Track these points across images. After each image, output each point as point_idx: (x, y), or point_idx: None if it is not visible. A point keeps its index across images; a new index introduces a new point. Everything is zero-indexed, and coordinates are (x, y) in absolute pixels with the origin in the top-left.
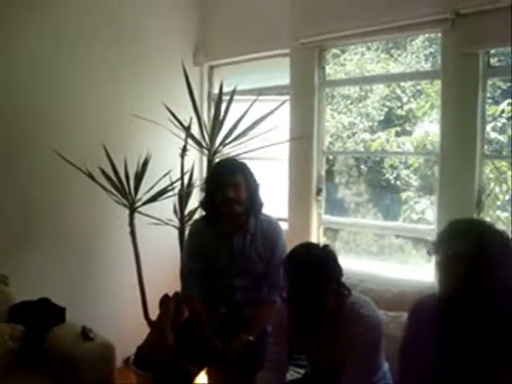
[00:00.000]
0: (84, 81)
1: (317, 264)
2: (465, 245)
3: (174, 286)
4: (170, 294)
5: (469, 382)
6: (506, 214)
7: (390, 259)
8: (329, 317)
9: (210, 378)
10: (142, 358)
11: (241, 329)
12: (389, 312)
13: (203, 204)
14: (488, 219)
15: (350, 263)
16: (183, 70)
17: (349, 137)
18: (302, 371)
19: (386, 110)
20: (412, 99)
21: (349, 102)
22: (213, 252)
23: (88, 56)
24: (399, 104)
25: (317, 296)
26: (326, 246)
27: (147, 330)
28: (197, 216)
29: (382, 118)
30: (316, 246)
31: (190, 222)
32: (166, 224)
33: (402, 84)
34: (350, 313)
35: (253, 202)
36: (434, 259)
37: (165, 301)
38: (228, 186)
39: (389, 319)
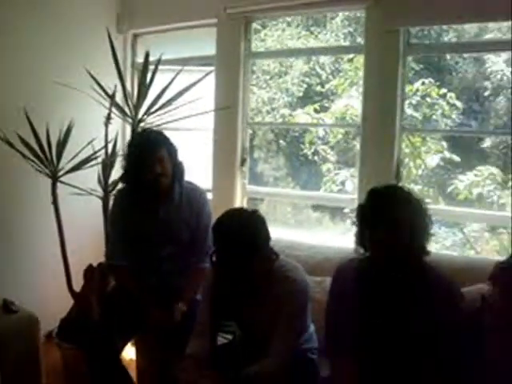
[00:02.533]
0: (2, 44)
1: (246, 226)
2: (388, 212)
3: (98, 256)
4: (95, 265)
5: (390, 340)
6: (419, 187)
7: (309, 231)
8: (257, 280)
9: (138, 350)
10: (65, 330)
11: (171, 298)
12: (314, 277)
13: (124, 178)
14: None
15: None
16: (108, 38)
17: (268, 112)
18: (230, 337)
19: (305, 86)
20: (331, 76)
21: (269, 77)
22: (138, 222)
23: (8, 20)
24: (318, 81)
25: (246, 258)
26: (254, 211)
27: (71, 302)
28: (121, 185)
29: (301, 94)
30: (245, 210)
31: (114, 192)
32: (90, 194)
33: (322, 61)
34: (278, 276)
35: (176, 171)
36: (353, 229)
37: (89, 271)
38: (154, 161)
39: (314, 284)
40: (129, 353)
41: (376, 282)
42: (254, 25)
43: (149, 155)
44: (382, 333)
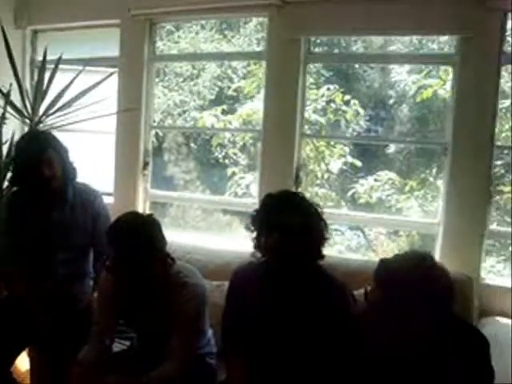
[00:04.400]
0: None
1: (142, 230)
2: (280, 217)
3: None
4: None
5: (286, 340)
6: (324, 191)
7: (219, 235)
8: (154, 285)
9: (32, 360)
10: None
11: (68, 304)
12: (213, 281)
13: (14, 182)
14: (308, 194)
15: (179, 237)
16: (2, 32)
17: (179, 114)
18: (128, 343)
19: (217, 89)
20: (242, 80)
21: (181, 79)
22: (30, 226)
23: None
24: (230, 84)
25: (141, 262)
26: (149, 215)
27: None
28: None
29: (213, 97)
30: (140, 214)
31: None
32: None
33: (234, 65)
34: (175, 281)
35: (67, 172)
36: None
37: None
38: (42, 163)
39: (212, 288)
40: (23, 363)
41: (270, 285)
42: (168, 26)
43: (36, 157)
44: (275, 333)
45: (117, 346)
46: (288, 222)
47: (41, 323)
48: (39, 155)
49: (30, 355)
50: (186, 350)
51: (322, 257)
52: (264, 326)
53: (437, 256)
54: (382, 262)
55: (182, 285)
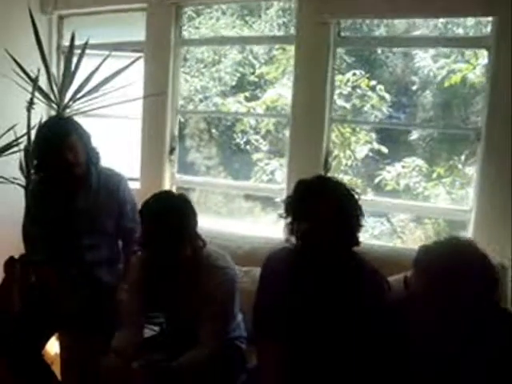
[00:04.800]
0: None
1: (174, 209)
2: (315, 204)
3: (19, 247)
4: (16, 257)
5: (319, 329)
6: (348, 177)
7: (240, 221)
8: (184, 266)
9: (62, 344)
10: None
11: (95, 289)
12: (242, 267)
13: (38, 168)
14: None
15: (202, 223)
16: (31, 18)
17: (201, 100)
18: (157, 328)
19: (238, 75)
20: (264, 66)
21: (202, 65)
22: (56, 213)
23: None
24: (252, 70)
25: (173, 240)
26: (181, 194)
27: None
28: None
29: (234, 83)
30: (172, 193)
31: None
32: (12, 183)
33: (255, 51)
34: (205, 264)
35: (91, 158)
36: (284, 220)
37: (10, 264)
38: (64, 150)
39: (242, 274)
40: (53, 347)
41: (304, 271)
42: (189, 12)
43: (59, 143)
44: (309, 320)
45: (147, 332)
46: (320, 209)
47: (66, 308)
48: (62, 141)
49: (59, 339)
50: (216, 334)
51: (358, 243)
52: (297, 312)
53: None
54: (423, 248)
55: (212, 268)
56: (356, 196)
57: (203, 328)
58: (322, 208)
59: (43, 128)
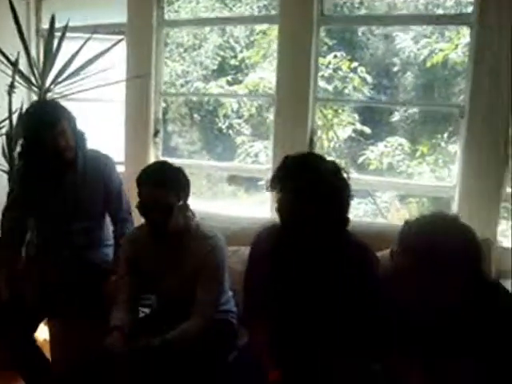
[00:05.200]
0: None
1: (171, 176)
2: (298, 180)
3: None
4: None
5: (308, 306)
6: (331, 159)
7: (224, 203)
8: (176, 238)
9: (51, 330)
10: None
11: (85, 272)
12: (230, 247)
13: (23, 155)
14: None
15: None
16: (9, 2)
17: (182, 85)
18: (147, 310)
19: (219, 59)
20: (245, 49)
21: (182, 50)
22: (42, 198)
23: None
24: (232, 54)
25: (170, 208)
26: (176, 166)
27: None
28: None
29: (215, 67)
30: (169, 163)
31: (16, 167)
32: None
33: (236, 35)
34: (195, 234)
35: (78, 141)
36: (271, 197)
37: None
38: (56, 136)
39: (230, 253)
40: (42, 333)
41: (290, 249)
42: None
43: (51, 130)
44: (297, 298)
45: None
46: (297, 183)
47: (57, 292)
48: (54, 127)
49: (48, 324)
50: (209, 304)
51: (347, 223)
52: (285, 291)
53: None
54: (407, 223)
55: (202, 237)
56: (345, 174)
57: (196, 297)
58: (297, 182)
59: (30, 113)
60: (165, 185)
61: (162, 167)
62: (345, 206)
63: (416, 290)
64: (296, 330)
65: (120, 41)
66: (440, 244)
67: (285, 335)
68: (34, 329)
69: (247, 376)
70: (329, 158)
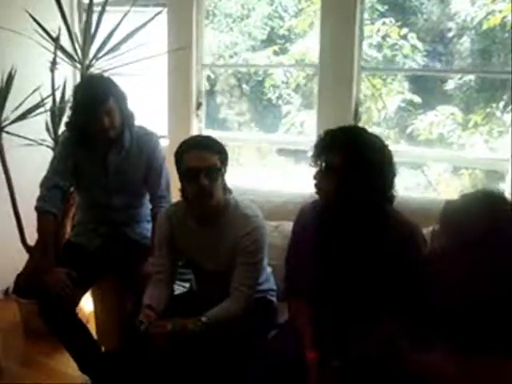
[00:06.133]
0: None
1: (215, 141)
2: (336, 156)
3: None
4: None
5: (350, 286)
6: (381, 129)
7: (274, 176)
8: (214, 216)
9: (95, 300)
10: (22, 285)
11: (123, 248)
12: (271, 222)
13: (70, 125)
14: None
15: (233, 179)
16: None
17: (231, 56)
18: (187, 285)
19: (268, 29)
20: (293, 18)
21: (231, 20)
22: (86, 171)
23: None
24: (281, 23)
25: (216, 168)
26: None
27: (27, 257)
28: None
29: (264, 37)
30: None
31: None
32: (40, 144)
33: (284, 3)
34: (234, 213)
35: (126, 119)
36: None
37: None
38: (102, 114)
39: (271, 229)
40: (88, 306)
41: (334, 226)
42: None
43: (96, 108)
44: (339, 277)
45: (177, 289)
46: (334, 160)
47: (99, 265)
48: (99, 105)
49: (93, 296)
50: (247, 285)
51: (391, 200)
52: (327, 268)
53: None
54: (448, 203)
55: (242, 217)
56: (388, 148)
57: (235, 278)
58: (332, 160)
59: (80, 88)
60: (213, 147)
61: (204, 136)
62: (388, 183)
63: (455, 274)
64: (338, 309)
65: (159, 13)
66: (482, 226)
67: (326, 314)
68: (77, 301)
69: (285, 354)
70: (376, 130)
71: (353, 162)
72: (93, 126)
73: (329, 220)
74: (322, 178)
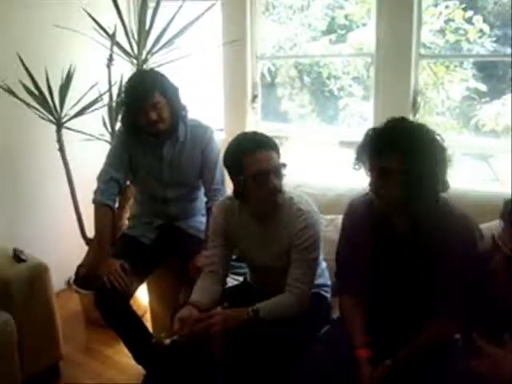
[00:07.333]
0: None
1: (272, 143)
2: (395, 160)
3: None
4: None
5: (404, 284)
6: (444, 119)
7: (335, 169)
8: (275, 211)
9: (150, 292)
10: (82, 276)
11: (178, 241)
12: (326, 215)
13: (123, 119)
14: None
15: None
16: None
17: (291, 48)
18: (241, 278)
19: (328, 19)
20: (354, 6)
21: (291, 12)
22: (141, 163)
23: None
24: (342, 12)
25: (281, 168)
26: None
27: (86, 249)
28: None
29: (324, 27)
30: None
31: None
32: (98, 139)
33: None
34: (289, 208)
35: (177, 111)
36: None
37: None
38: (148, 108)
39: (326, 222)
40: (144, 298)
41: (384, 221)
42: None
43: (142, 102)
44: (390, 272)
45: (230, 282)
46: (386, 163)
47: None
48: (146, 99)
49: (148, 289)
50: (304, 281)
51: (445, 189)
52: (378, 264)
53: None
54: (509, 203)
55: (296, 212)
56: (439, 138)
57: (289, 275)
58: (386, 163)
59: (128, 84)
60: (273, 145)
61: (257, 134)
62: (440, 180)
63: None
64: (391, 308)
65: (212, 5)
66: None
67: (379, 313)
68: (132, 293)
69: (336, 350)
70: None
71: (414, 163)
72: (141, 119)
73: (380, 214)
74: (381, 183)
